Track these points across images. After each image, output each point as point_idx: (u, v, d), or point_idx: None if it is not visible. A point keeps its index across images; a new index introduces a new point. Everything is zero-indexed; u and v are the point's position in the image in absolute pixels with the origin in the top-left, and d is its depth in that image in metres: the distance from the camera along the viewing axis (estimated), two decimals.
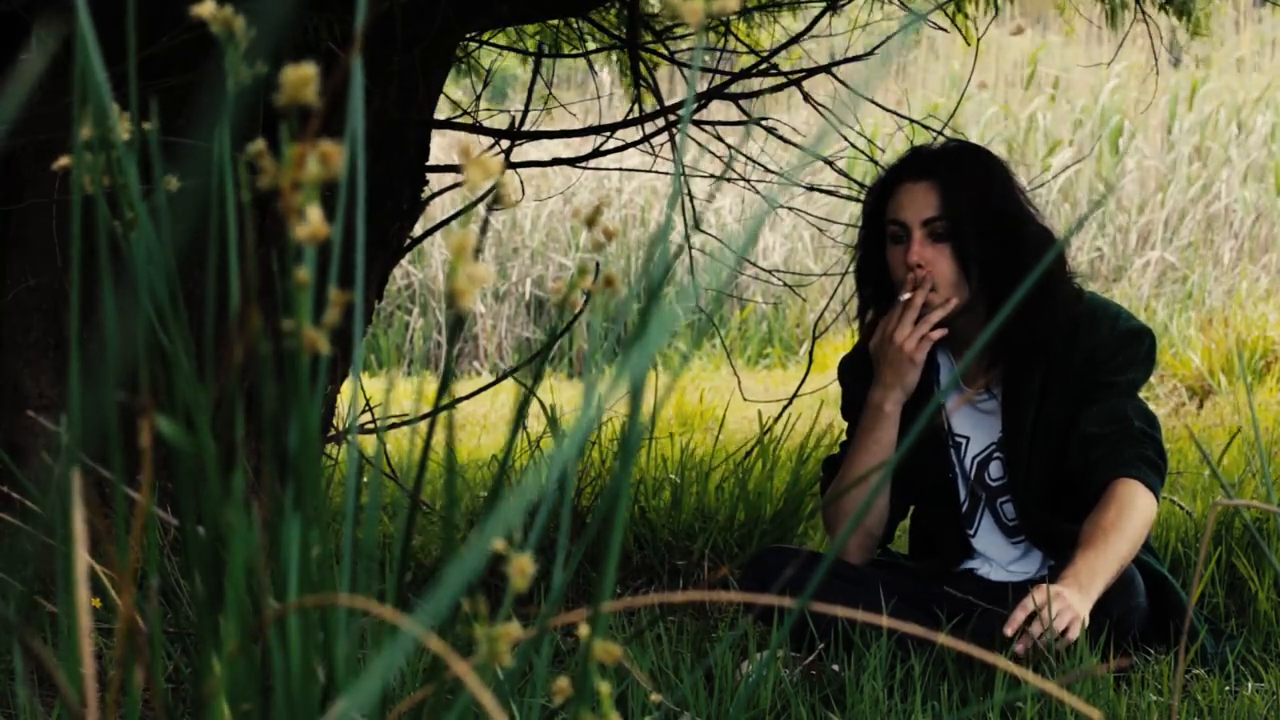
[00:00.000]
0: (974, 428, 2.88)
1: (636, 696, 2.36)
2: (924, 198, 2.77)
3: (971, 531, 2.89)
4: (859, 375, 2.96)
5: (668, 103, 3.91)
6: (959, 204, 2.75)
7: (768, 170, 4.27)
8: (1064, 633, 2.49)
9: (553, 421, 3.96)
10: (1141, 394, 2.85)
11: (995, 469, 2.86)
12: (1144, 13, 4.21)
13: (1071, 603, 2.50)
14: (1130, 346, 2.78)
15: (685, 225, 4.09)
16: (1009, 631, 2.49)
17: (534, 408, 5.08)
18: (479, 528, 0.83)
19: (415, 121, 3.36)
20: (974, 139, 9.51)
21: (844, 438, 3.03)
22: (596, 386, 0.98)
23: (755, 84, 3.99)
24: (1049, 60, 11.61)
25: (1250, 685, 2.62)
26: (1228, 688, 2.60)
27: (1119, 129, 10.58)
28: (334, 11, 2.88)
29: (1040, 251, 2.74)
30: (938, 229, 2.76)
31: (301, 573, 1.03)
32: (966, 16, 4.39)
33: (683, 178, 4.03)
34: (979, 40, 4.26)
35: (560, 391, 7.30)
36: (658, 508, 3.79)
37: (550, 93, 4.40)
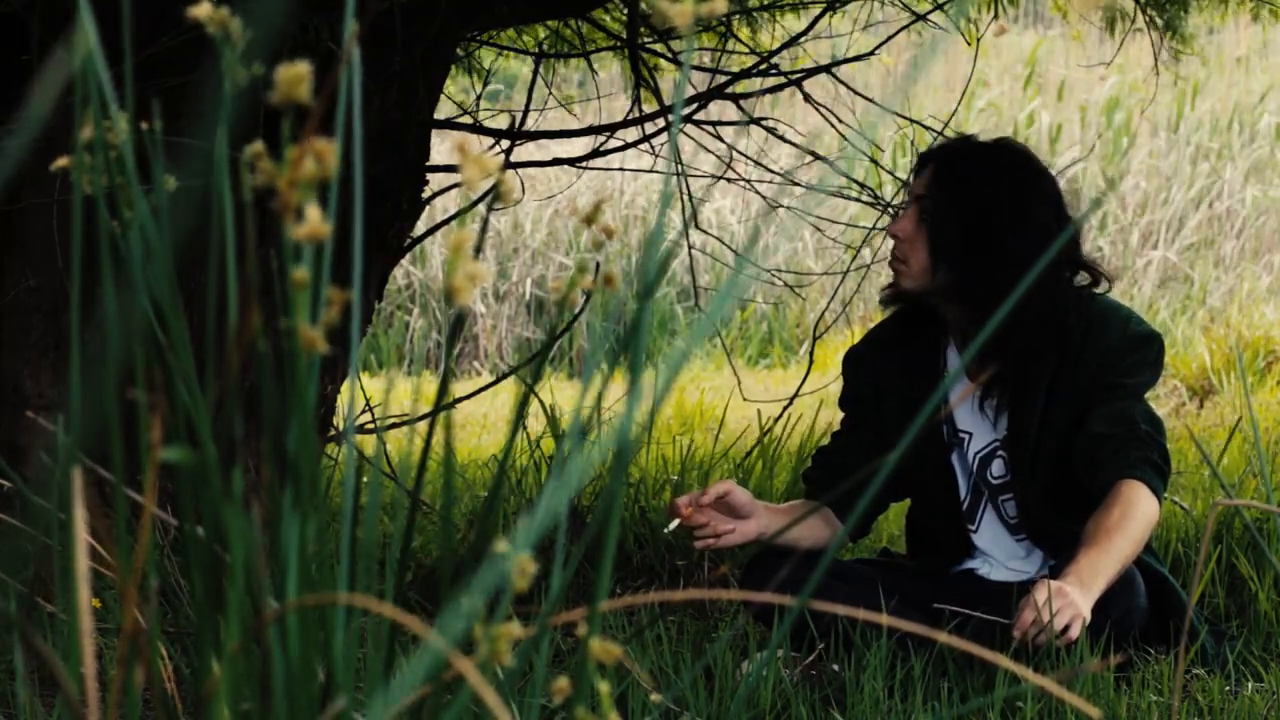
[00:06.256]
0: (977, 424, 2.88)
1: (636, 696, 2.36)
2: (925, 176, 2.80)
3: (973, 527, 2.89)
4: (861, 369, 2.96)
5: (669, 103, 3.91)
6: (944, 190, 2.75)
7: (769, 170, 4.27)
8: (1065, 629, 2.49)
9: (553, 422, 3.97)
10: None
11: (998, 467, 2.86)
12: (1142, 11, 4.21)
13: (1074, 599, 2.50)
14: (1140, 350, 2.79)
15: (684, 224, 4.09)
16: (1018, 634, 2.49)
17: (534, 407, 5.07)
18: (479, 532, 0.83)
19: (415, 121, 3.36)
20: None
21: (837, 428, 3.04)
22: (597, 384, 0.98)
23: (756, 84, 3.99)
24: (1053, 60, 11.61)
25: (1250, 685, 2.62)
26: (1228, 688, 2.60)
27: (1125, 129, 10.58)
28: (334, 12, 2.88)
29: (1026, 263, 2.71)
30: (925, 208, 2.77)
31: (301, 572, 1.03)
32: (968, 19, 4.39)
33: (681, 178, 4.03)
34: (979, 40, 4.26)
35: (560, 391, 7.29)
36: (658, 508, 3.79)
37: (550, 92, 4.40)
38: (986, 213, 2.74)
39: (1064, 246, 2.75)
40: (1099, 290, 2.83)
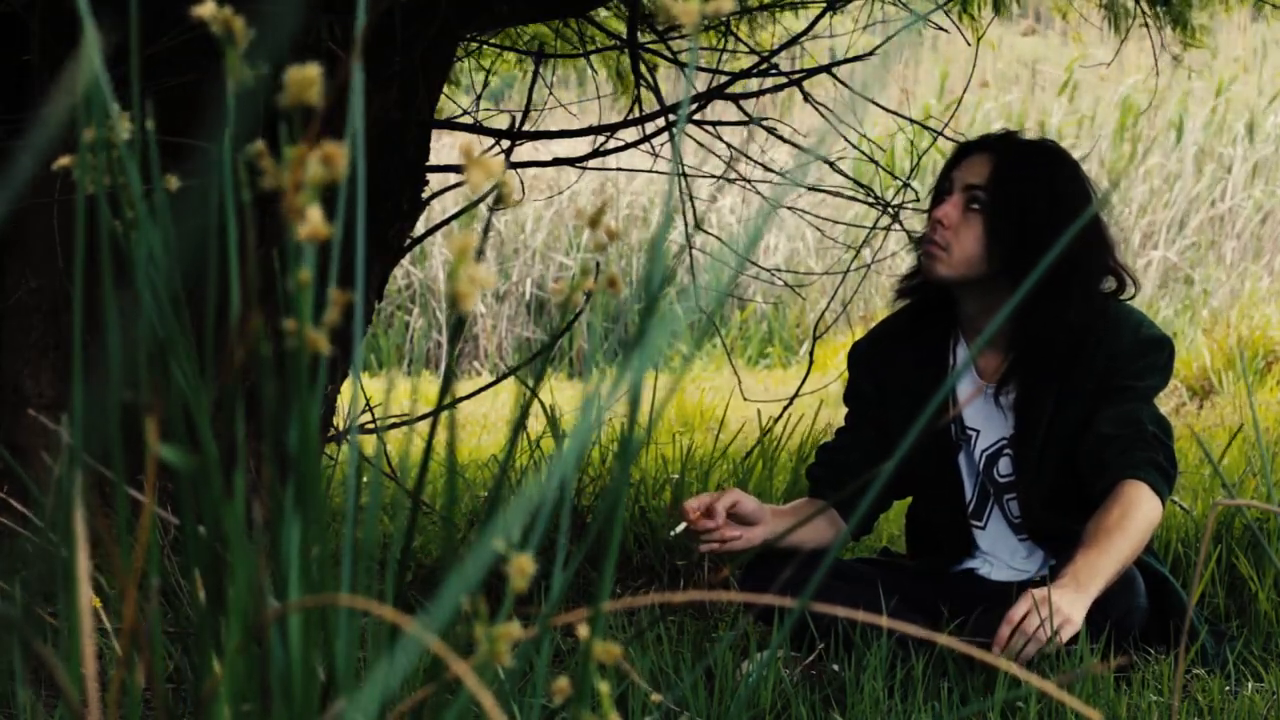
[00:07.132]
0: (986, 421, 2.88)
1: (636, 696, 2.36)
2: (978, 165, 2.81)
3: (981, 524, 2.90)
4: (863, 367, 2.96)
5: (669, 103, 3.91)
6: (1008, 182, 2.76)
7: (769, 170, 4.27)
8: (1053, 635, 2.49)
9: (553, 422, 3.97)
10: None
11: (1004, 465, 2.86)
12: (1144, 13, 4.21)
13: (1061, 606, 2.50)
14: (1150, 354, 2.79)
15: (685, 225, 4.09)
16: (996, 650, 2.49)
17: (534, 407, 5.07)
18: (480, 530, 0.83)
19: (415, 121, 3.36)
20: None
21: (841, 424, 3.03)
22: (598, 389, 0.98)
23: (755, 84, 3.99)
24: (1052, 59, 11.61)
25: (1250, 685, 2.62)
26: (1228, 688, 2.60)
27: (1123, 129, 10.58)
28: (335, 13, 2.88)
29: (1080, 260, 2.75)
30: (977, 197, 2.78)
31: (302, 573, 1.03)
32: (973, 18, 4.39)
33: (683, 178, 4.03)
34: (979, 40, 4.26)
35: (560, 391, 7.30)
36: (658, 508, 3.79)
37: (550, 92, 4.40)
38: (1051, 210, 2.76)
39: (1104, 253, 2.81)
40: (1123, 297, 2.86)
